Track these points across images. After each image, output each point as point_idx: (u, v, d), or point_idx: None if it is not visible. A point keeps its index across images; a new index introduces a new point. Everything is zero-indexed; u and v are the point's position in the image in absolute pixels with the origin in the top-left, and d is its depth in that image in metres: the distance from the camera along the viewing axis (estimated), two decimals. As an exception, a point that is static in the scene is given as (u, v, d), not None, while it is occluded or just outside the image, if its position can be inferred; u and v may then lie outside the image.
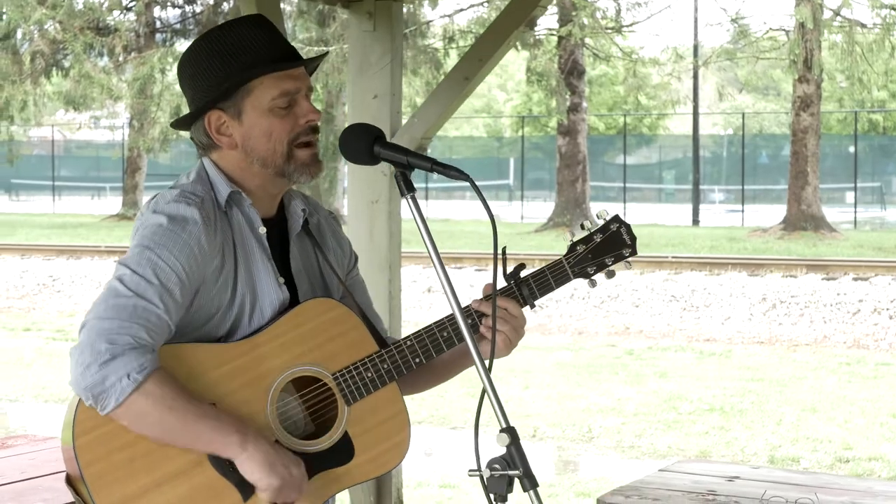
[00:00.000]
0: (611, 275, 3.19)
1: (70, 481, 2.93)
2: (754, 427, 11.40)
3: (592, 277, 3.17)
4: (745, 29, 32.10)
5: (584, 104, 34.79)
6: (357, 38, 5.66)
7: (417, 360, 3.08)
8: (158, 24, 33.78)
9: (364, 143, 2.91)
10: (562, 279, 3.16)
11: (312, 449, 3.02)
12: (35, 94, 33.37)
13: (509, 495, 2.72)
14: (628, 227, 3.20)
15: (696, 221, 38.95)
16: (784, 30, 31.17)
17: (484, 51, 5.78)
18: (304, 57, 3.08)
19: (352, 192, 5.74)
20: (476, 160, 52.79)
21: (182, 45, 33.60)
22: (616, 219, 3.20)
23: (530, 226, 36.23)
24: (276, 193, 3.14)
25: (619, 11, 31.49)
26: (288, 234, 3.16)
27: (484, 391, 2.73)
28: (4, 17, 31.64)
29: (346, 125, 2.99)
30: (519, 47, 31.79)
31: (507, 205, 46.83)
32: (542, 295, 3.14)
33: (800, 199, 31.46)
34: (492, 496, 2.71)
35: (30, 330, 18.21)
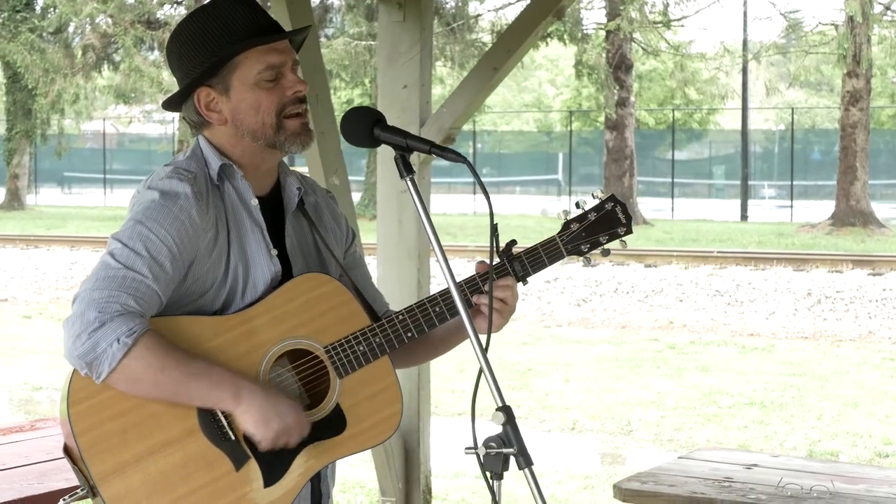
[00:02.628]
0: (606, 253, 3.22)
1: (67, 451, 3.01)
2: (794, 421, 11.37)
3: (587, 255, 3.20)
4: (795, 23, 31.90)
5: (632, 98, 34.69)
6: (387, 28, 5.70)
7: (409, 334, 3.12)
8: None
9: (364, 126, 2.97)
10: (555, 256, 3.19)
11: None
12: (86, 87, 33.71)
13: (505, 473, 2.77)
14: (624, 206, 3.24)
15: (744, 217, 38.73)
16: (834, 24, 30.94)
17: (512, 41, 5.80)
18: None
19: (381, 181, 5.78)
20: (525, 155, 52.72)
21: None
22: (612, 198, 3.24)
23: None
24: (269, 168, 3.19)
25: (667, 6, 31.38)
26: (283, 211, 3.21)
27: (480, 371, 2.76)
28: (56, 11, 31.97)
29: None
30: (567, 41, 31.77)
31: (556, 199, 46.69)
32: (534, 271, 3.18)
33: (848, 194, 31.24)
34: (488, 474, 2.76)
35: (77, 321, 18.36)
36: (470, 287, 3.15)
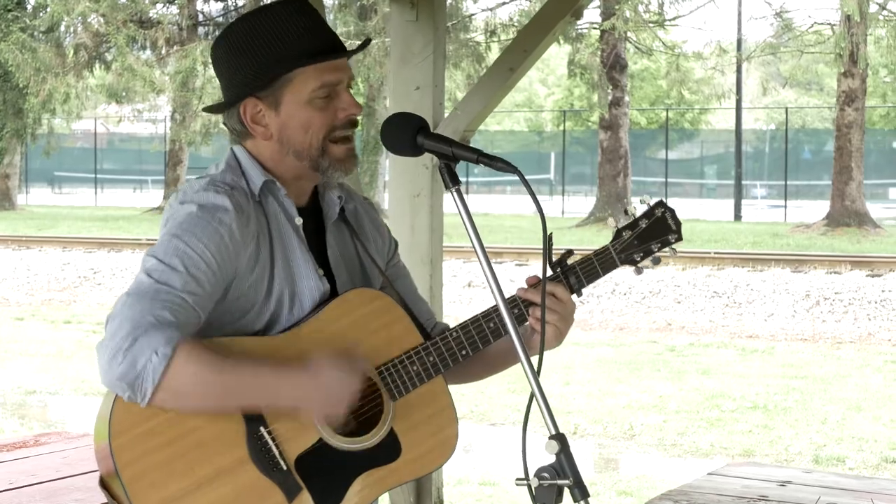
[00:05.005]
0: (657, 261, 3.08)
1: (104, 482, 2.83)
2: (798, 426, 11.26)
3: (639, 264, 3.07)
4: (790, 23, 31.82)
5: (627, 98, 34.60)
6: (399, 28, 5.56)
7: (464, 352, 2.97)
8: (201, 17, 33.82)
9: (407, 134, 2.79)
10: (608, 266, 3.05)
11: (358, 447, 2.90)
12: (78, 87, 33.52)
13: (559, 504, 2.60)
14: (673, 211, 3.09)
15: (738, 217, 38.69)
16: (829, 24, 30.88)
17: (529, 42, 5.67)
18: (347, 47, 2.97)
19: (393, 186, 5.65)
20: (517, 154, 52.63)
21: (224, 39, 33.62)
22: (660, 203, 3.09)
23: (571, 220, 36.07)
24: (310, 184, 3.04)
25: (662, 5, 31.29)
26: (324, 222, 3.05)
27: (532, 395, 2.61)
28: (48, 9, 31.81)
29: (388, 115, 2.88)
30: (561, 41, 31.66)
31: (549, 199, 46.62)
32: (588, 283, 3.04)
33: (843, 194, 31.17)
34: (539, 508, 2.59)
35: (70, 323, 18.24)
36: (525, 302, 3.00)
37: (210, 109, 3.06)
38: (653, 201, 3.09)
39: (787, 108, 49.09)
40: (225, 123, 3.02)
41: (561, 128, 51.74)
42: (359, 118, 2.98)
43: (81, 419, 11.66)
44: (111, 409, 2.73)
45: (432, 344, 2.97)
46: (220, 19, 33.60)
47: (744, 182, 42.43)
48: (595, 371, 13.68)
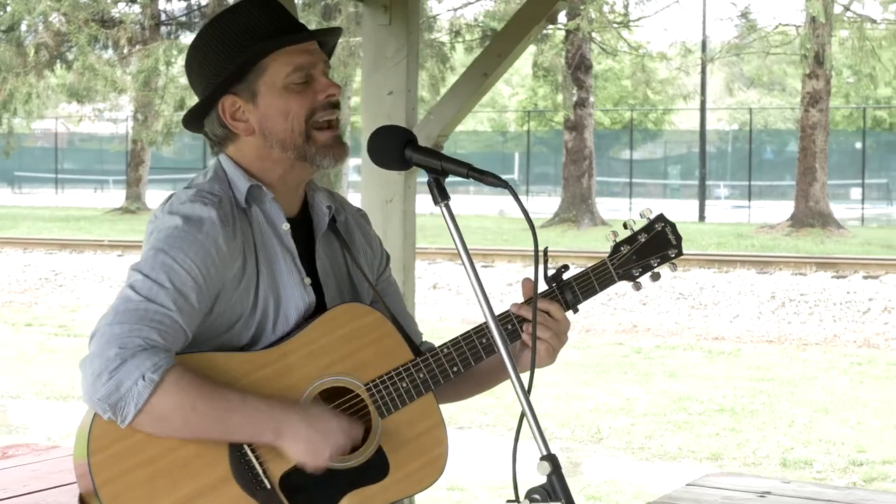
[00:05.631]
0: (656, 277, 3.02)
1: (83, 500, 2.76)
2: (766, 428, 11.26)
3: (637, 280, 3.00)
4: (754, 24, 31.92)
5: (592, 99, 34.62)
6: (372, 32, 5.49)
7: (455, 368, 2.90)
8: (163, 16, 33.65)
9: (395, 147, 2.71)
10: (606, 281, 2.99)
11: (344, 465, 2.83)
12: (39, 86, 33.27)
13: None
14: (673, 226, 3.02)
15: (702, 217, 38.79)
16: (794, 25, 31.01)
17: (503, 46, 5.61)
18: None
19: (365, 191, 5.58)
20: (481, 154, 52.59)
21: (188, 38, 33.51)
22: (661, 217, 3.02)
23: (536, 221, 34.80)
24: (298, 184, 2.97)
25: (627, 6, 31.34)
26: (313, 233, 2.98)
27: (523, 414, 2.55)
28: (8, 8, 31.53)
29: (362, 123, 2.82)
30: (525, 41, 31.62)
31: (512, 201, 46.53)
32: (585, 298, 2.98)
33: (808, 195, 31.30)
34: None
35: (31, 325, 18.06)
36: (518, 318, 2.94)
37: (188, 119, 2.97)
38: (653, 215, 3.03)
39: (751, 109, 49.25)
40: (206, 133, 2.95)
41: (525, 128, 51.77)
42: (339, 100, 2.93)
43: (43, 423, 11.54)
44: (90, 425, 2.67)
45: (422, 360, 2.90)
46: (183, 19, 33.46)
47: (707, 182, 42.57)
48: (562, 374, 13.64)
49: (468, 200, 45.05)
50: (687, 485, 4.40)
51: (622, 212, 40.37)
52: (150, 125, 34.01)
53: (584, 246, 26.36)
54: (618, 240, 3.00)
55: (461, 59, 33.29)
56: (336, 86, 2.91)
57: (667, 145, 54.85)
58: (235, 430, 2.69)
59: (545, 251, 2.77)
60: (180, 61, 31.81)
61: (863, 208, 39.54)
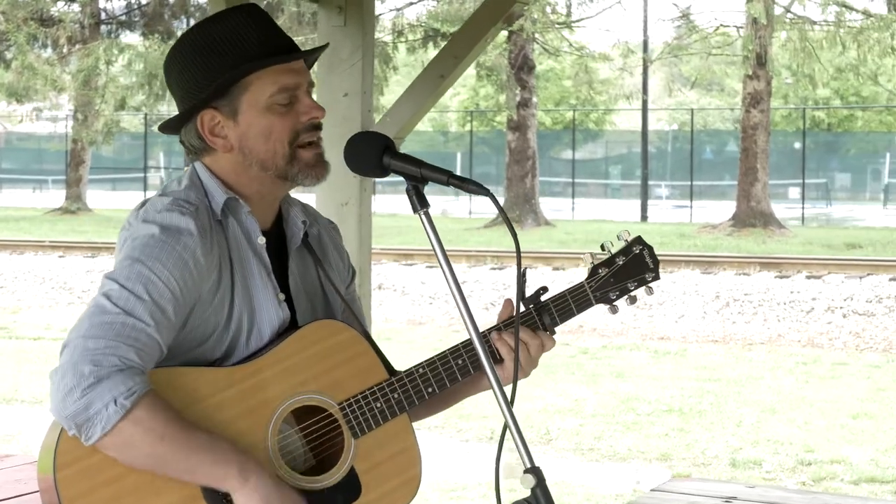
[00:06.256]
0: (632, 300, 2.99)
1: None
2: (714, 429, 11.28)
3: (614, 303, 2.97)
4: (696, 26, 32.08)
5: (535, 99, 34.67)
6: (327, 33, 5.42)
7: (430, 389, 2.85)
8: (104, 15, 33.39)
9: (372, 154, 2.65)
10: (583, 304, 2.96)
11: (317, 486, 2.76)
12: (-24, 86, 32.94)
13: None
14: (651, 249, 3.01)
15: (644, 217, 38.96)
16: (735, 26, 31.21)
17: (460, 48, 5.57)
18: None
19: (320, 194, 5.51)
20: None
21: (128, 37, 33.26)
22: (638, 240, 3.00)
23: (479, 221, 36.03)
24: (274, 199, 2.89)
25: (570, 6, 31.42)
26: (287, 247, 2.90)
27: (506, 426, 2.51)
28: (-55, 7, 31.20)
29: (351, 134, 2.74)
30: (468, 42, 31.64)
31: (455, 200, 46.55)
32: (562, 321, 2.94)
33: (749, 195, 31.51)
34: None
35: (-29, 327, 17.82)
36: (496, 343, 2.89)
37: (165, 126, 2.88)
38: (630, 237, 3.00)
39: (692, 110, 49.52)
40: (182, 141, 2.86)
41: (467, 128, 51.80)
42: (321, 122, 2.84)
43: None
44: (57, 440, 2.58)
45: (397, 380, 2.85)
46: (123, 17, 33.20)
47: (648, 182, 42.78)
48: (509, 374, 13.61)
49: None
50: (651, 490, 4.38)
51: (565, 212, 40.49)
52: (90, 124, 33.75)
53: (527, 246, 26.38)
54: (595, 262, 2.97)
55: (403, 58, 33.27)
56: (320, 108, 2.82)
57: (608, 145, 55.12)
58: (200, 470, 2.59)
59: (524, 272, 2.73)
60: (121, 60, 31.59)
61: (803, 208, 39.86)
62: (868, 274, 20.16)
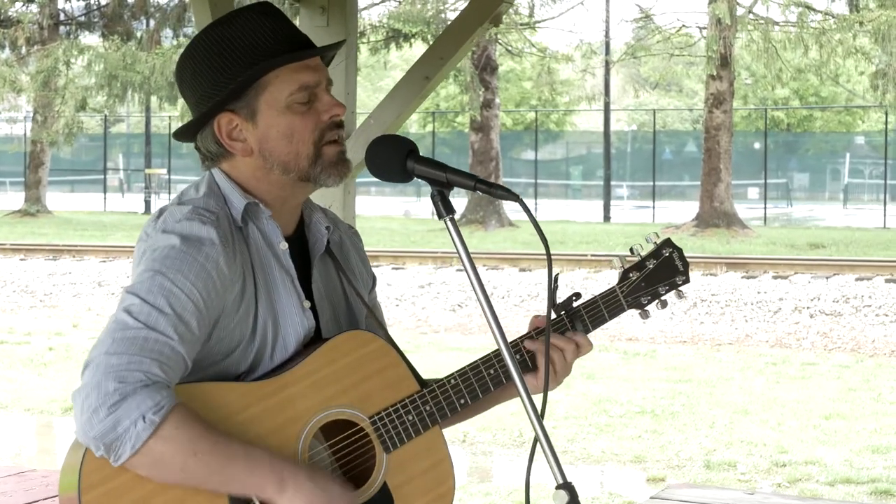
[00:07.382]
0: (663, 305, 2.91)
1: None
2: (687, 430, 11.24)
3: (645, 308, 2.90)
4: (659, 28, 32.14)
5: (497, 100, 34.63)
6: (309, 33, 5.29)
7: (462, 400, 2.78)
8: (62, 16, 33.13)
9: (396, 159, 2.56)
10: (616, 310, 2.91)
11: None
12: (-66, 87, 32.63)
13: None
14: (680, 251, 2.94)
15: (607, 218, 39.00)
16: (699, 27, 31.28)
17: (445, 49, 5.48)
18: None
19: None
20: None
21: (87, 38, 33.02)
22: (668, 242, 2.93)
23: (441, 223, 35.93)
24: (297, 204, 2.79)
25: (532, 7, 31.42)
26: (309, 253, 2.80)
27: (536, 440, 2.43)
28: None
29: (374, 137, 2.64)
30: (430, 42, 31.60)
31: (416, 201, 46.55)
32: (595, 327, 2.89)
33: (712, 195, 31.60)
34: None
35: (-67, 332, 17.60)
36: (529, 352, 2.84)
37: (180, 133, 2.77)
38: (660, 240, 2.93)
39: (654, 111, 49.63)
40: (197, 147, 2.75)
41: (428, 129, 51.75)
42: (343, 120, 2.75)
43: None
44: (81, 460, 2.47)
45: (429, 392, 2.76)
46: (82, 18, 32.95)
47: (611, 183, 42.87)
48: (479, 377, 13.54)
49: (371, 202, 44.91)
50: (651, 498, 4.31)
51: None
52: (49, 126, 33.48)
53: (491, 247, 26.33)
54: (625, 266, 2.90)
55: (364, 59, 33.17)
56: (341, 105, 2.72)
57: (568, 146, 55.21)
58: (236, 481, 2.50)
59: (556, 278, 2.65)
60: (80, 61, 31.36)
61: (765, 208, 40.03)
62: (834, 274, 20.23)
